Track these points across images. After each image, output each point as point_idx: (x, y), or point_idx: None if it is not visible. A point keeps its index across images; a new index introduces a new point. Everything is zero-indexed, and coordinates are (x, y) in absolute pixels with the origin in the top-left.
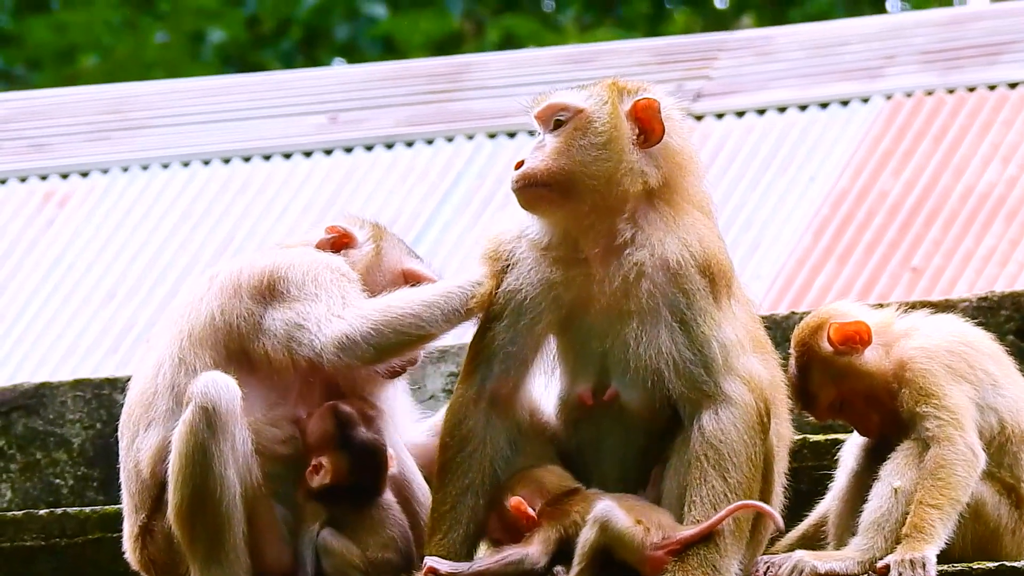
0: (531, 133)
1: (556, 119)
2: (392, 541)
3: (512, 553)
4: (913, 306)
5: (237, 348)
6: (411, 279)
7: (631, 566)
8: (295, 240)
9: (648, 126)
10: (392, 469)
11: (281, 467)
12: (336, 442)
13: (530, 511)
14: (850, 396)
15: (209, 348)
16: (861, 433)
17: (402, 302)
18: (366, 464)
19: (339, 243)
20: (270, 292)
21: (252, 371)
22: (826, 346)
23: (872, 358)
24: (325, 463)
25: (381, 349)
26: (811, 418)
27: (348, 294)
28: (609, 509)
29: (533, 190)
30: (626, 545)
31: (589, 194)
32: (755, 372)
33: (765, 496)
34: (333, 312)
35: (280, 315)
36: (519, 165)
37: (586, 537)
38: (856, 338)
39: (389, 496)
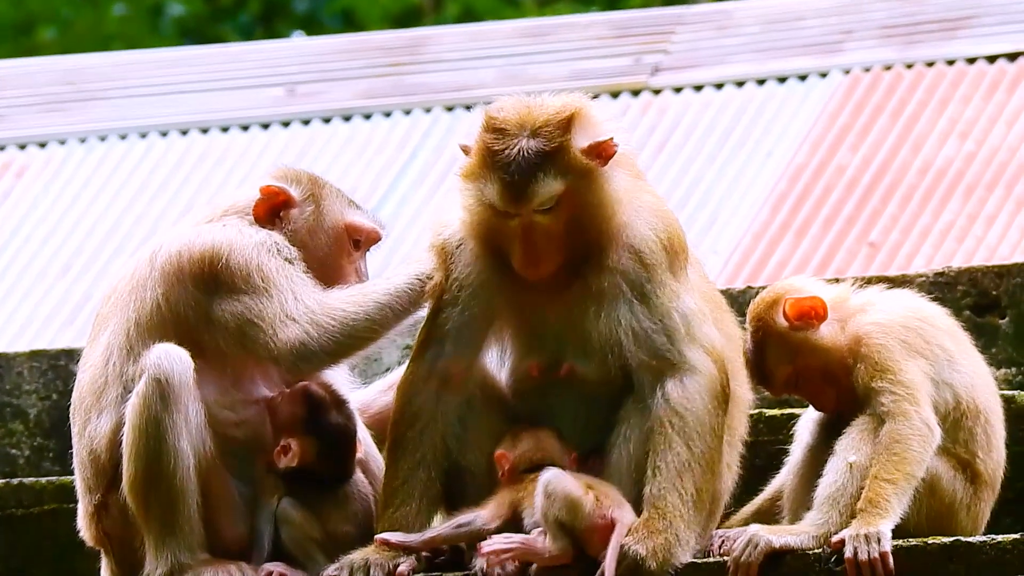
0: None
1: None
2: (354, 516)
3: (463, 517)
4: (870, 281)
5: (187, 336)
6: (354, 234)
7: (583, 542)
8: (228, 203)
9: (607, 153)
10: (359, 454)
11: (237, 446)
12: (306, 426)
13: (506, 465)
14: (805, 372)
15: (158, 336)
16: (817, 408)
17: (355, 305)
18: (335, 450)
19: (276, 202)
20: (214, 280)
21: (204, 356)
22: (781, 321)
23: (827, 333)
24: (294, 446)
25: (337, 355)
26: (767, 393)
27: (296, 287)
28: (556, 475)
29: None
30: (574, 511)
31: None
32: (716, 341)
33: (717, 463)
34: (287, 313)
35: (229, 307)
36: (536, 261)
37: (539, 504)
38: (811, 313)
39: (356, 470)
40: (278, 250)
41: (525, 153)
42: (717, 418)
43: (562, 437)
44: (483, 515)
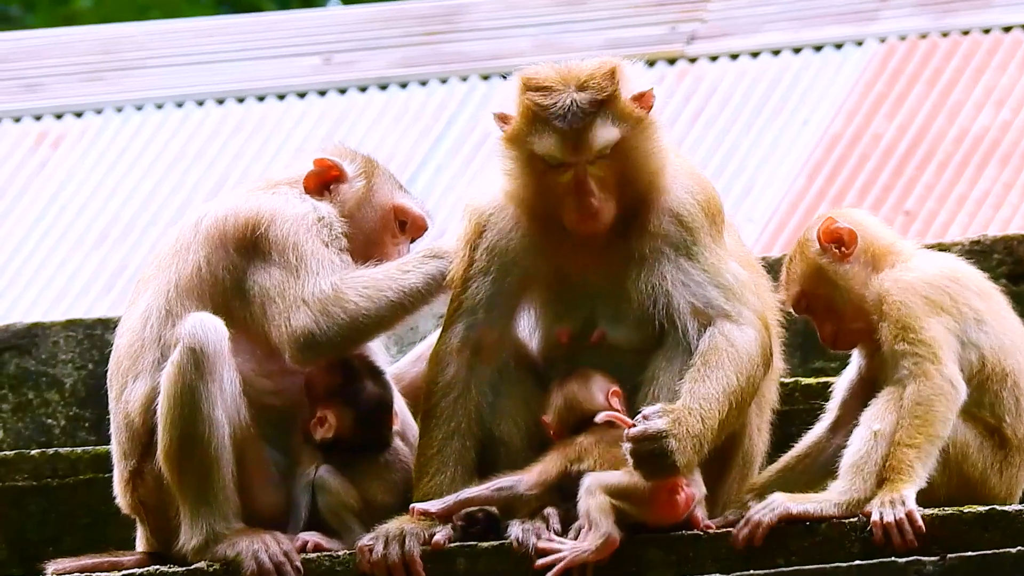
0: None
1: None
2: (394, 485)
3: (504, 480)
4: None
5: (222, 303)
6: (401, 216)
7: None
8: (281, 175)
9: (648, 103)
10: (396, 426)
11: (274, 415)
12: (342, 396)
13: (549, 430)
14: (812, 298)
15: (196, 299)
16: (820, 338)
17: (368, 300)
18: (371, 420)
19: (328, 176)
20: (253, 246)
21: (239, 325)
22: (813, 238)
23: (846, 272)
24: (330, 418)
25: (342, 347)
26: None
27: (324, 271)
28: (597, 480)
29: (604, 229)
30: (631, 496)
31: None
32: (763, 311)
33: (746, 414)
34: (304, 297)
35: (258, 278)
36: (593, 213)
37: (583, 507)
38: (839, 240)
39: (396, 440)
40: (321, 226)
41: (579, 103)
42: (761, 375)
43: (601, 375)
44: (525, 480)
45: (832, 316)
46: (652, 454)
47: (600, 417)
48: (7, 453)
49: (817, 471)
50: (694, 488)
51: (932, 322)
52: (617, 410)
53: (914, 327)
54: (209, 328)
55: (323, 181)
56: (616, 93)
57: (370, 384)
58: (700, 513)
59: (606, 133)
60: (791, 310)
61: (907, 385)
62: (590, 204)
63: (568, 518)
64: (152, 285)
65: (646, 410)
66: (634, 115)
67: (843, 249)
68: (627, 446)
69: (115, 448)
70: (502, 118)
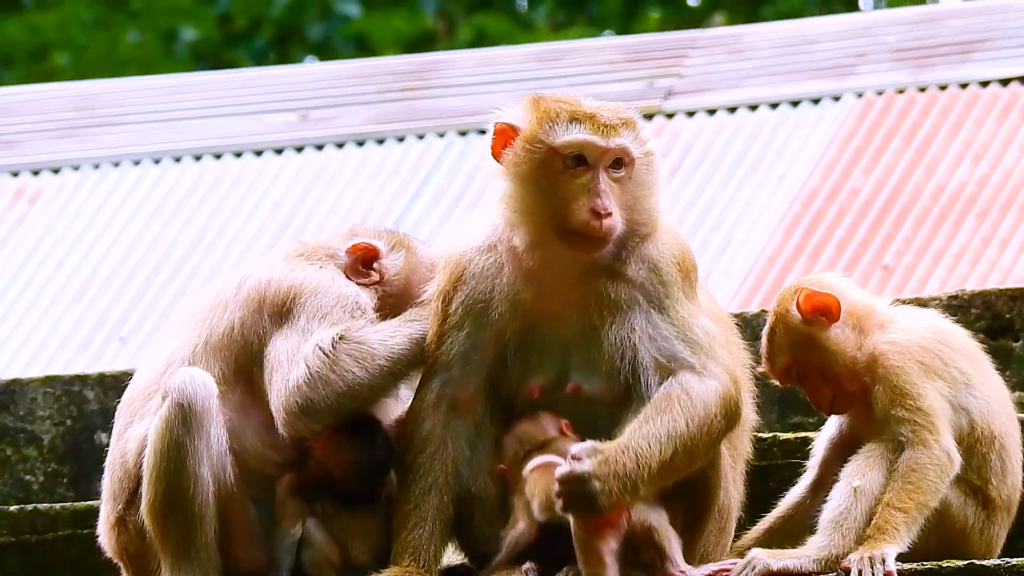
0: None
1: (616, 159)
2: (374, 550)
3: (509, 537)
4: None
5: (246, 364)
6: None
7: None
8: (320, 242)
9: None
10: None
11: (266, 480)
12: (340, 434)
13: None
14: (804, 366)
15: (221, 360)
16: (814, 405)
17: (364, 370)
18: (363, 460)
19: (367, 258)
20: (288, 313)
21: (256, 394)
22: (794, 311)
23: (837, 336)
24: (320, 449)
25: (337, 413)
26: (775, 381)
27: (334, 343)
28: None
29: (608, 244)
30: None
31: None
32: (733, 367)
33: (700, 461)
34: (307, 359)
35: (277, 341)
36: (607, 212)
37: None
38: (824, 310)
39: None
40: (357, 310)
41: (607, 107)
42: (720, 427)
43: (548, 412)
44: (524, 532)
45: (828, 382)
46: (576, 495)
47: (534, 463)
48: None
49: (802, 533)
50: (644, 514)
51: (928, 389)
52: (572, 438)
53: (912, 394)
54: (199, 384)
55: (364, 264)
56: (634, 119)
57: (370, 433)
58: (677, 555)
59: (628, 140)
60: (778, 382)
61: (903, 448)
62: (605, 203)
63: (546, 573)
64: (184, 334)
65: (575, 448)
66: (646, 143)
67: (828, 316)
68: (555, 487)
69: (106, 486)
70: (508, 128)
